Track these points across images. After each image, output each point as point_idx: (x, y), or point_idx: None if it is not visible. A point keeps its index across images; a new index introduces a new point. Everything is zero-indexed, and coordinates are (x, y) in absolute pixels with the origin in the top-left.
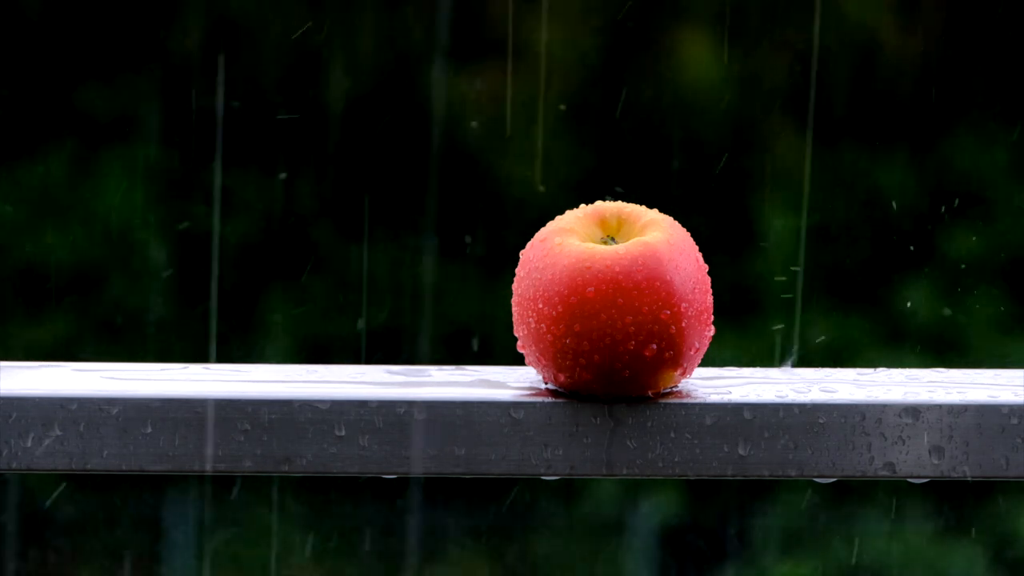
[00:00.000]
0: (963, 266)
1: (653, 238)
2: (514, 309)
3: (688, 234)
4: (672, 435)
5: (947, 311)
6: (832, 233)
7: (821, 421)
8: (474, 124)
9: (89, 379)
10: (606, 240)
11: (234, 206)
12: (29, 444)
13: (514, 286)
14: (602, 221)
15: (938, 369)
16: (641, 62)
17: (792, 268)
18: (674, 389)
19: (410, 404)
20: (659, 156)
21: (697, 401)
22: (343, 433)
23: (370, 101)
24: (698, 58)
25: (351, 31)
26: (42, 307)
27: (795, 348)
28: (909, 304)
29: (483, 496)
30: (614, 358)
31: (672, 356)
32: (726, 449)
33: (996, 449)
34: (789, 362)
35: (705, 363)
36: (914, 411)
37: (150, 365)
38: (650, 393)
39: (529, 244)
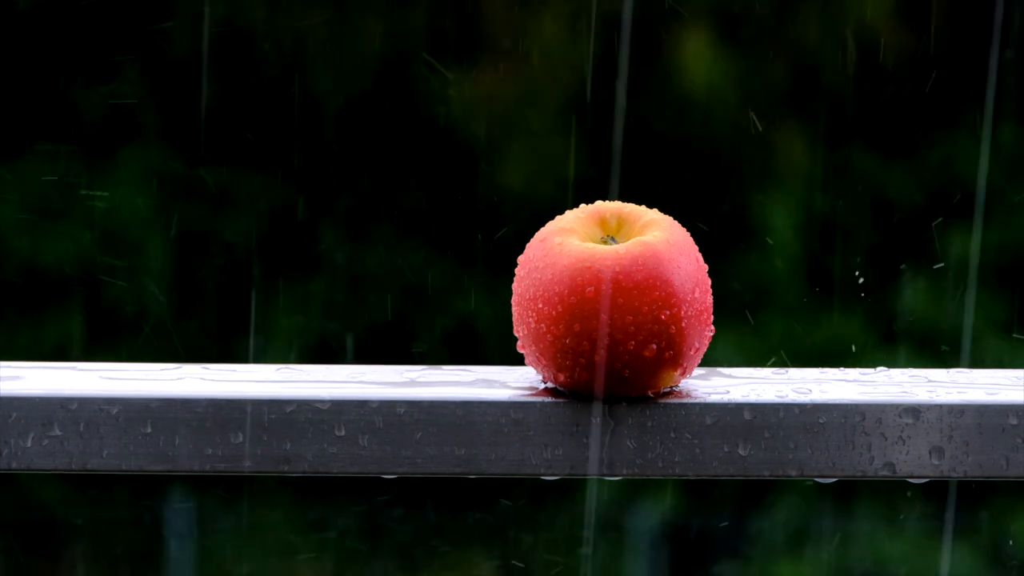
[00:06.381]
0: (963, 266)
1: (653, 238)
2: (514, 309)
3: (688, 234)
4: (672, 435)
5: (947, 311)
6: (832, 233)
7: (821, 421)
8: (474, 123)
9: (89, 379)
10: (606, 240)
11: (234, 206)
12: (29, 444)
13: (514, 286)
14: (602, 221)
15: (938, 369)
16: (641, 62)
17: (792, 268)
18: (674, 389)
19: (410, 404)
20: (659, 156)
21: (697, 401)
22: (343, 433)
23: (370, 100)
24: (698, 58)
25: (351, 30)
26: (42, 307)
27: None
28: (909, 304)
29: (483, 496)
30: (614, 358)
31: (672, 356)
32: (726, 449)
33: (996, 449)
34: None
35: (705, 363)
36: (914, 411)
37: (150, 365)
38: (650, 393)
39: (529, 244)
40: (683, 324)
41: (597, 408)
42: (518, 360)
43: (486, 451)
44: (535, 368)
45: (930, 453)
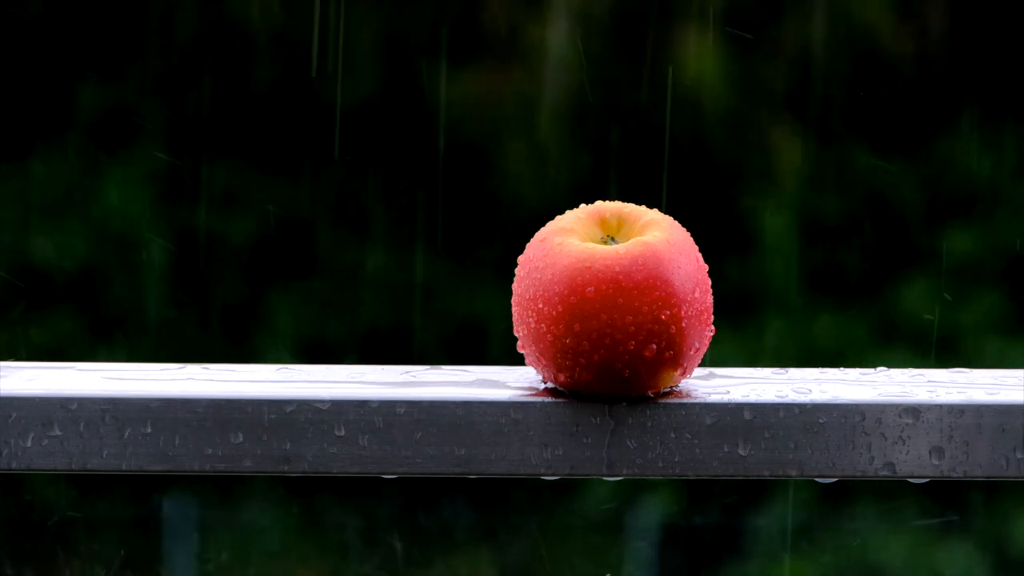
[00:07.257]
0: (963, 266)
1: (653, 238)
2: (514, 309)
3: (688, 234)
4: (672, 435)
5: (947, 311)
6: (832, 233)
7: (821, 421)
8: (474, 124)
9: (89, 379)
10: (606, 240)
11: (234, 206)
12: (29, 444)
13: (514, 286)
14: (602, 221)
15: (938, 369)
16: (641, 62)
17: (791, 268)
18: (674, 389)
19: (410, 404)
20: (659, 156)
21: (697, 401)
22: (343, 433)
23: (370, 100)
24: (698, 58)
25: (352, 30)
26: (42, 307)
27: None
28: (909, 304)
29: (483, 496)
30: (614, 358)
31: (672, 356)
32: (726, 449)
33: (996, 449)
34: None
35: (705, 363)
36: (914, 411)
37: (150, 365)
38: (650, 393)
39: (529, 244)
40: (683, 324)
41: (597, 408)
42: (518, 360)
43: (486, 451)
44: (535, 368)
45: (930, 453)
